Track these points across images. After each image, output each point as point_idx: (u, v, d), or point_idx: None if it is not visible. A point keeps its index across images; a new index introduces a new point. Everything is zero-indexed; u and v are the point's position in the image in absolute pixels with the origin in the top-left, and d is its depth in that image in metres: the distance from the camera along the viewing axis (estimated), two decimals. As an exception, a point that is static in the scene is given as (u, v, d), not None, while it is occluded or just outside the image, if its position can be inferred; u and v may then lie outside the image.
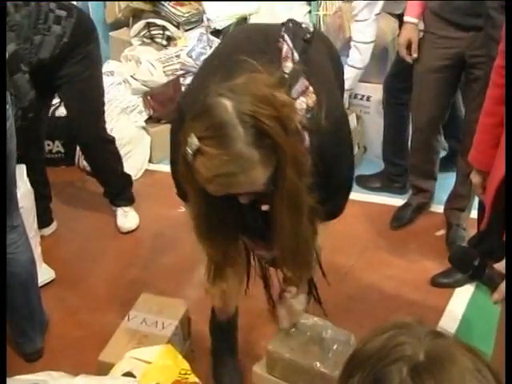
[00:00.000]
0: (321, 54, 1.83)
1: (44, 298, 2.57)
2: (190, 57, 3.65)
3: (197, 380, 1.98)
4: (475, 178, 1.92)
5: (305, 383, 1.96)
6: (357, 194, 3.47)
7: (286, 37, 1.70)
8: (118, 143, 3.56)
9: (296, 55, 1.68)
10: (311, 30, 1.81)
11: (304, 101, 1.61)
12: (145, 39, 3.96)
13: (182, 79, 3.71)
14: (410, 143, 3.19)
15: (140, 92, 3.74)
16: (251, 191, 1.52)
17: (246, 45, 1.75)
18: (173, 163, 1.77)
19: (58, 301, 2.76)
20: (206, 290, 1.89)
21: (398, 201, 3.36)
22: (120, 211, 3.23)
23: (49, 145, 3.62)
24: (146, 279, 2.89)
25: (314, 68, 1.69)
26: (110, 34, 4.22)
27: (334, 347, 1.97)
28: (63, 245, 3.11)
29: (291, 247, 1.67)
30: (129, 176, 3.28)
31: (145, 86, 3.73)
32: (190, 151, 1.44)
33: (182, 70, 3.73)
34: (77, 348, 2.51)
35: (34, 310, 2.47)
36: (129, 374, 1.96)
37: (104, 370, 2.13)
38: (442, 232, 3.08)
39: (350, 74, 3.20)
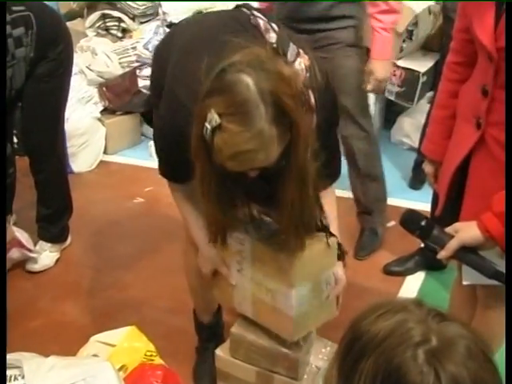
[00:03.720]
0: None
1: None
2: (147, 49, 3.67)
3: (162, 362, 2.02)
4: (428, 168, 2.01)
5: (267, 365, 1.97)
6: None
7: (256, 13, 1.71)
8: (73, 134, 3.57)
9: (275, 26, 1.69)
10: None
11: (301, 61, 1.63)
12: (100, 31, 3.96)
13: (138, 71, 3.73)
14: None
15: (96, 83, 3.74)
16: (263, 166, 1.53)
17: (222, 26, 1.72)
18: (161, 138, 1.82)
19: (17, 291, 2.74)
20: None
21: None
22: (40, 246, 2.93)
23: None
24: (102, 267, 2.91)
25: (292, 35, 1.73)
26: (64, 24, 4.19)
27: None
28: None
29: (294, 214, 1.66)
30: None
31: (100, 77, 3.74)
32: (209, 127, 1.42)
33: (138, 61, 3.75)
34: (37, 337, 2.50)
35: None
36: (95, 358, 1.99)
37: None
38: (392, 223, 3.17)
39: None
